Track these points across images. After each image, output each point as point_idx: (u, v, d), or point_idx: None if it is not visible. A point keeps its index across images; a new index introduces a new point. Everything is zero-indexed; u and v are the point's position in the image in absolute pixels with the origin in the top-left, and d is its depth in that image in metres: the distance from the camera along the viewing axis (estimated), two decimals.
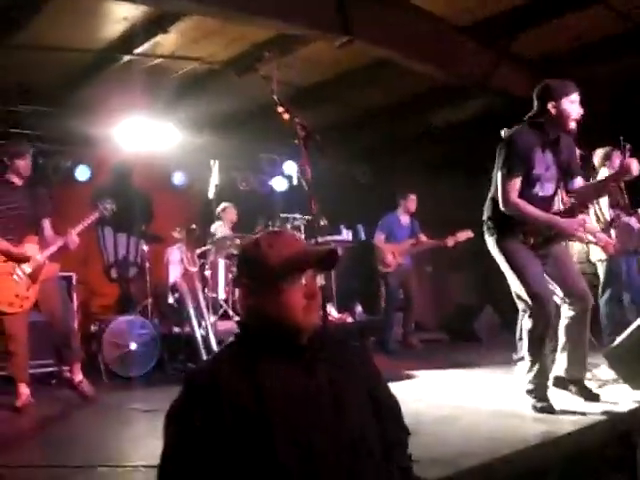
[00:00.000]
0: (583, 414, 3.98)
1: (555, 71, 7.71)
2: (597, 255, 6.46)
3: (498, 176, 4.25)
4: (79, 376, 5.53)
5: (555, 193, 4.39)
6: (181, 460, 1.78)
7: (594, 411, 4.03)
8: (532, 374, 4.24)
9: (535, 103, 4.32)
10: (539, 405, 4.15)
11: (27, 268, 5.29)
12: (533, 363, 4.23)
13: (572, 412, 4.06)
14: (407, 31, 6.39)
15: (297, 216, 7.85)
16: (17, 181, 5.45)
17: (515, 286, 4.28)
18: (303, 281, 1.91)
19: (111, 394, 5.77)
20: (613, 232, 6.28)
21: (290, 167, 9.51)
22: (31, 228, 5.44)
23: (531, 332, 4.21)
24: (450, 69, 7.05)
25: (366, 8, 6.02)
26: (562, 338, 4.43)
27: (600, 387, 4.76)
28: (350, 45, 6.00)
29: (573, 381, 4.44)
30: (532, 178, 4.22)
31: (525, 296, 4.21)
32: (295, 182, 9.01)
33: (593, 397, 4.34)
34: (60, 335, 5.49)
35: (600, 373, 5.13)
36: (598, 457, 3.73)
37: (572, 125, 4.20)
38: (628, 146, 4.33)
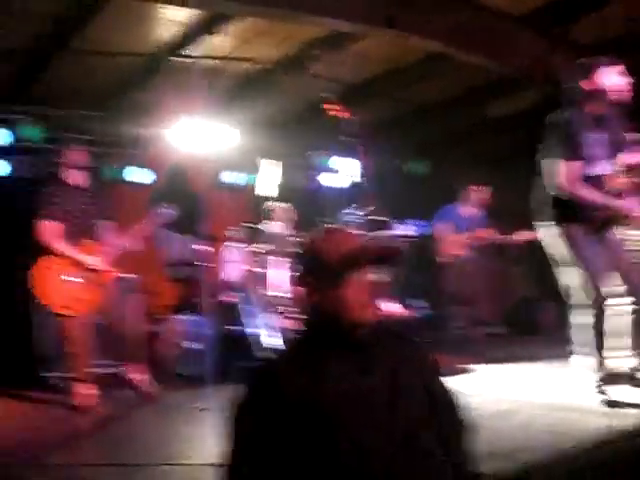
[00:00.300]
0: None
1: (613, 58, 7.59)
2: None
3: (549, 161, 4.15)
4: (139, 375, 5.60)
5: (607, 173, 4.21)
6: (245, 456, 1.82)
7: None
8: (600, 369, 4.12)
9: (571, 85, 4.24)
10: (607, 400, 4.03)
11: (86, 271, 5.39)
12: (600, 358, 4.11)
13: (637, 406, 3.96)
14: (459, 23, 6.28)
15: (355, 212, 7.83)
16: (77, 182, 5.52)
17: (572, 277, 4.15)
18: (361, 277, 1.92)
19: (171, 393, 5.83)
20: None
21: (345, 164, 9.49)
22: (91, 231, 5.53)
23: (595, 325, 4.06)
24: (505, 60, 6.92)
25: (417, 1, 5.96)
26: (627, 331, 4.29)
27: None
28: (401, 40, 5.95)
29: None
30: (584, 159, 4.11)
31: (587, 287, 4.06)
32: (351, 179, 9.00)
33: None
34: (120, 337, 5.55)
35: None
36: None
37: (615, 98, 4.11)
38: None
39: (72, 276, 5.35)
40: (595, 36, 7.17)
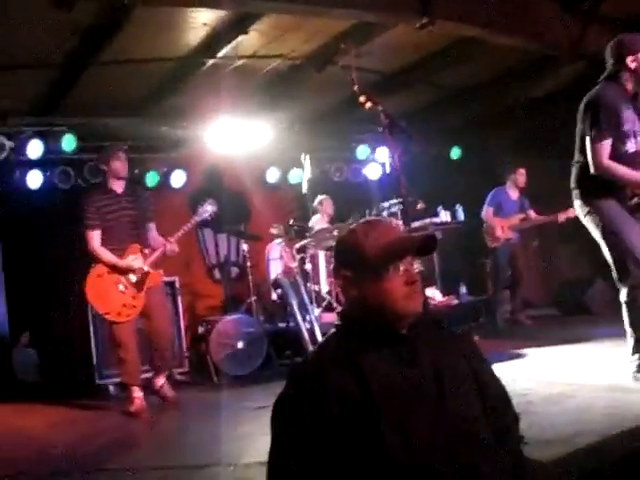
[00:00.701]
0: None
1: None
2: None
3: (587, 139, 4.10)
4: (161, 380, 5.73)
5: None
6: (290, 452, 1.81)
7: None
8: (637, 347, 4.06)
9: (610, 61, 4.21)
10: None
11: (132, 277, 5.47)
12: (637, 338, 4.05)
13: None
14: (487, 6, 6.22)
15: (394, 202, 7.80)
16: (118, 188, 5.60)
17: (614, 254, 4.09)
18: (402, 268, 1.89)
19: (221, 393, 5.91)
20: None
21: (383, 154, 9.45)
22: (135, 235, 5.61)
23: (634, 309, 4.03)
24: (538, 39, 6.82)
25: None
26: None
27: None
28: (431, 26, 5.90)
29: None
30: (622, 135, 4.07)
31: (628, 263, 4.02)
32: (388, 169, 8.96)
33: None
34: (159, 342, 5.63)
35: None
36: None
37: None
38: None
39: (121, 282, 5.44)
40: (625, 11, 7.04)
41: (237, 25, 6.03)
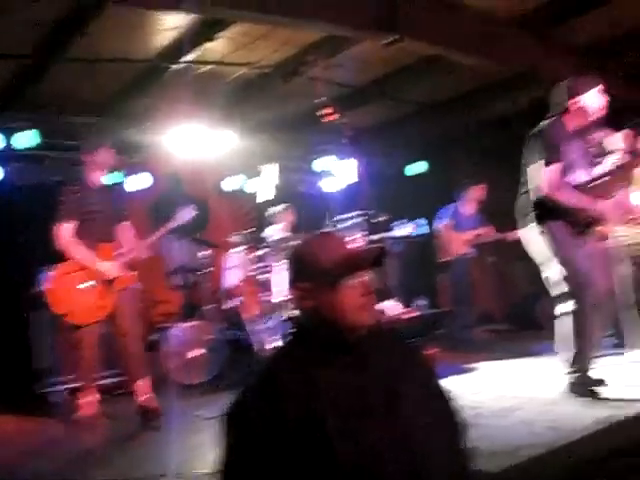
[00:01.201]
0: None
1: (602, 59, 7.68)
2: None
3: (536, 166, 4.42)
4: (143, 391, 5.28)
5: (590, 180, 4.55)
6: (241, 461, 1.81)
7: None
8: (577, 360, 4.33)
9: (557, 100, 4.61)
10: (582, 390, 4.25)
11: (102, 277, 5.19)
12: (584, 348, 4.30)
13: (631, 396, 4.04)
14: (455, 26, 6.31)
15: (356, 214, 7.85)
16: (97, 182, 5.32)
17: (564, 272, 4.37)
18: (357, 280, 1.93)
19: (175, 402, 5.75)
20: None
21: (346, 166, 9.49)
22: (109, 234, 5.34)
23: (580, 320, 4.31)
24: (499, 61, 6.98)
25: (413, 6, 5.96)
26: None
27: None
28: (398, 43, 5.97)
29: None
30: (568, 166, 4.41)
31: (575, 283, 4.31)
32: (351, 182, 9.01)
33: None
34: (126, 348, 5.29)
35: None
36: None
37: (597, 116, 4.48)
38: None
39: (89, 283, 5.18)
40: (586, 39, 7.26)
41: (206, 31, 6.03)
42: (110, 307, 5.20)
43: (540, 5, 6.57)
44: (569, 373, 4.38)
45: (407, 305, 8.46)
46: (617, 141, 4.83)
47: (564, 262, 4.37)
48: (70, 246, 5.13)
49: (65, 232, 5.12)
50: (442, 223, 8.51)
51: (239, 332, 7.19)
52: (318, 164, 9.68)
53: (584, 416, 3.70)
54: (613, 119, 4.98)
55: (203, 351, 6.80)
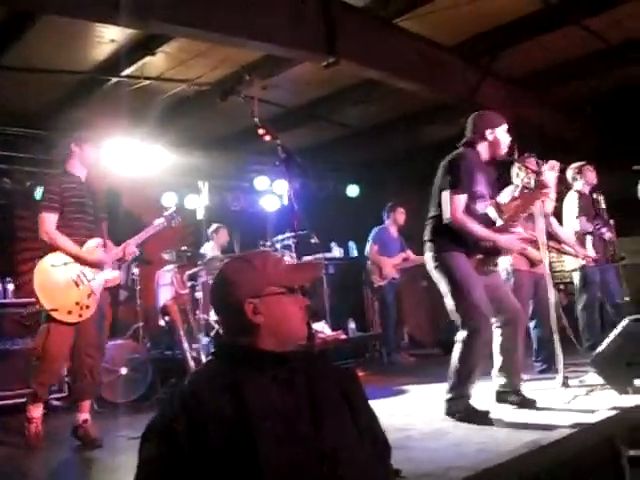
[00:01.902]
0: (568, 421, 3.98)
1: (535, 88, 7.95)
2: (572, 265, 6.69)
3: (443, 194, 4.49)
4: (85, 414, 4.82)
5: (492, 213, 4.80)
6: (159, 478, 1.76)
7: (581, 418, 4.05)
8: (461, 386, 4.43)
9: (472, 129, 4.70)
10: (465, 415, 4.34)
11: (90, 273, 4.84)
12: (464, 377, 4.42)
13: (558, 420, 4.10)
14: (393, 51, 6.44)
15: (288, 235, 7.86)
16: (81, 175, 4.99)
17: (458, 303, 4.45)
18: (284, 300, 1.95)
19: (100, 422, 5.48)
20: (590, 242, 6.52)
21: (281, 187, 9.52)
22: (93, 230, 4.96)
23: (468, 349, 4.40)
24: (436, 87, 7.14)
25: (353, 29, 6.05)
26: (498, 356, 4.70)
27: (588, 393, 4.90)
28: (336, 66, 6.03)
29: (514, 391, 4.69)
30: (474, 196, 4.52)
31: (468, 314, 4.39)
32: (286, 202, 9.03)
33: (531, 403, 4.60)
34: (84, 359, 4.79)
35: (588, 379, 5.27)
36: (584, 463, 3.73)
37: (504, 152, 4.64)
38: (537, 160, 4.95)
39: (78, 276, 4.78)
40: (517, 69, 7.50)
41: (144, 45, 6.00)
42: (95, 307, 4.82)
43: (478, 35, 6.79)
44: (448, 400, 4.47)
45: (336, 328, 8.49)
46: (548, 173, 4.95)
47: (456, 292, 4.45)
48: (56, 237, 4.73)
49: (49, 223, 4.74)
50: (370, 247, 8.58)
51: (169, 351, 7.09)
52: (258, 183, 9.66)
53: (512, 439, 3.74)
54: (544, 150, 5.14)
55: (127, 370, 6.66)
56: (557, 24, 6.54)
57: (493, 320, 4.59)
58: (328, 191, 10.39)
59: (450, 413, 4.42)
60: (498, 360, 4.72)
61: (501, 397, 4.76)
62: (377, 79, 6.87)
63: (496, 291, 4.60)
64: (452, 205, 4.41)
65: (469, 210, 4.47)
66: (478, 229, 4.45)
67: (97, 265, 4.87)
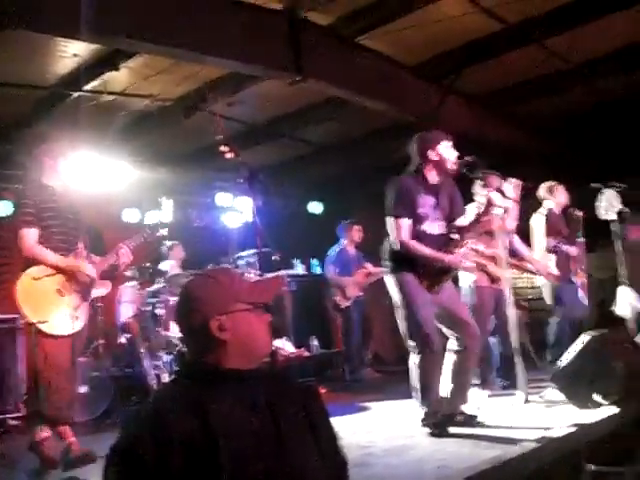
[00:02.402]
0: (530, 437, 4.02)
1: (497, 106, 8.08)
2: (539, 280, 6.77)
3: (387, 220, 4.59)
4: (45, 432, 4.61)
5: (444, 233, 4.73)
6: None
7: (542, 433, 4.09)
8: (426, 406, 4.52)
9: (413, 154, 4.72)
10: (437, 431, 4.40)
11: (76, 284, 4.66)
12: (425, 396, 4.52)
13: (520, 436, 4.11)
14: (357, 70, 6.51)
15: (250, 252, 7.83)
16: (56, 184, 4.79)
17: (407, 324, 4.55)
18: (247, 317, 1.95)
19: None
20: (553, 259, 6.53)
21: (244, 204, 9.50)
22: (75, 244, 4.76)
23: (421, 368, 4.51)
24: (400, 106, 7.21)
25: (317, 48, 6.10)
26: (448, 374, 4.68)
27: (548, 408, 5.00)
28: (301, 84, 6.06)
29: (460, 412, 4.67)
30: (419, 217, 4.57)
31: (415, 335, 4.50)
32: (248, 219, 9.01)
33: (478, 422, 4.60)
34: (67, 374, 4.59)
35: (548, 395, 5.33)
36: (547, 478, 3.78)
37: (453, 167, 4.62)
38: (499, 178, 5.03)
39: (63, 287, 4.60)
40: (478, 88, 7.60)
41: (108, 60, 5.98)
42: (86, 318, 4.68)
43: (440, 53, 6.88)
44: (423, 420, 4.53)
45: (299, 345, 8.47)
46: (507, 190, 5.00)
47: (403, 312, 4.55)
48: (39, 250, 4.54)
49: (30, 237, 4.54)
50: (329, 268, 8.56)
51: (130, 369, 7.00)
52: (219, 199, 9.62)
53: (473, 456, 3.76)
54: (507, 167, 5.18)
55: (90, 387, 6.55)
56: (518, 44, 6.66)
57: (449, 343, 4.65)
58: (292, 208, 10.39)
59: (425, 426, 4.50)
60: (446, 381, 4.69)
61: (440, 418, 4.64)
62: (342, 97, 6.92)
63: (453, 310, 4.64)
64: (396, 230, 4.51)
65: (416, 232, 4.54)
66: (424, 250, 4.50)
67: (85, 274, 4.69)
